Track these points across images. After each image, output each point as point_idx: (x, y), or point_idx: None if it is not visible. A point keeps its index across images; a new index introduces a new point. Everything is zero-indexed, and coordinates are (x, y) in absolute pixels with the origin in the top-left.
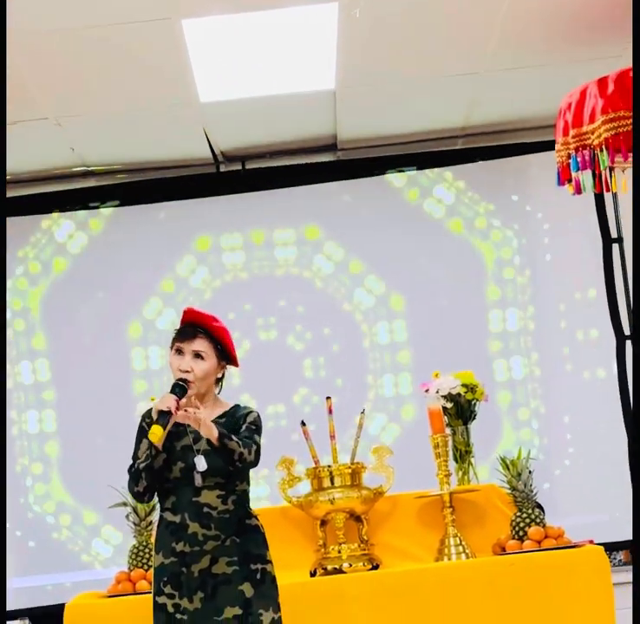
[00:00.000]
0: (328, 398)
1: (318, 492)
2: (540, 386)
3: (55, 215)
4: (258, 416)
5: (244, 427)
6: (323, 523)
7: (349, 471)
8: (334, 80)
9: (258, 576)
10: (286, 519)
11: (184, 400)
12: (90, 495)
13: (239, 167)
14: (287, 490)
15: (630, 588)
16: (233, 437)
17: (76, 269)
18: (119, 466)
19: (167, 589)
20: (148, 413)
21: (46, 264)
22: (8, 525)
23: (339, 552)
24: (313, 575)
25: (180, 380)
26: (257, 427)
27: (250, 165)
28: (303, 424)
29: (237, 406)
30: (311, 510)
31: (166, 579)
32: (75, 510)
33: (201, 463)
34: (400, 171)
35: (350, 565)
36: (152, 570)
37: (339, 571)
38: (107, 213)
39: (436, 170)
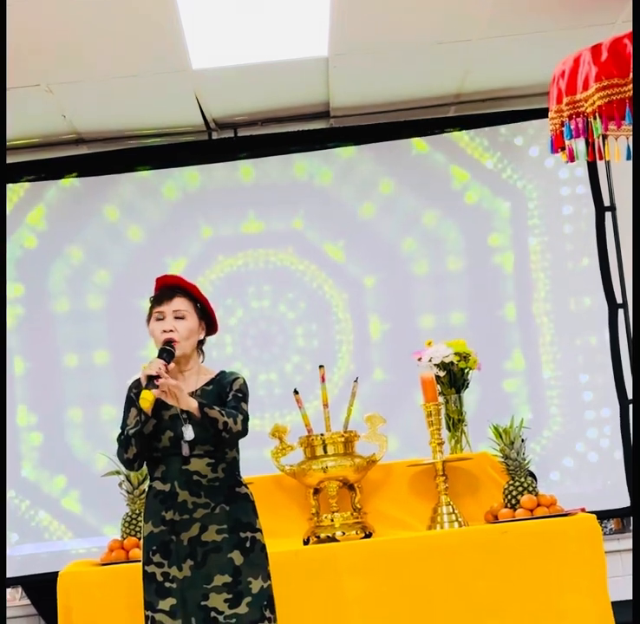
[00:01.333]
0: (320, 366)
1: (311, 461)
2: (532, 354)
3: (44, 182)
4: (245, 382)
5: (230, 396)
6: (316, 491)
7: (342, 439)
8: (326, 47)
9: (248, 545)
10: (279, 488)
11: (172, 365)
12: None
13: (231, 135)
14: (280, 458)
15: (621, 557)
16: (214, 407)
17: (63, 236)
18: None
19: (156, 558)
20: (136, 383)
21: (34, 230)
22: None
23: (332, 520)
24: (306, 543)
25: (166, 344)
26: (243, 395)
27: (242, 133)
28: (295, 392)
29: (223, 373)
30: (304, 478)
31: (154, 548)
32: (65, 479)
33: (188, 432)
34: (393, 138)
35: (343, 533)
36: (141, 540)
37: (332, 539)
38: (97, 180)
39: (428, 137)
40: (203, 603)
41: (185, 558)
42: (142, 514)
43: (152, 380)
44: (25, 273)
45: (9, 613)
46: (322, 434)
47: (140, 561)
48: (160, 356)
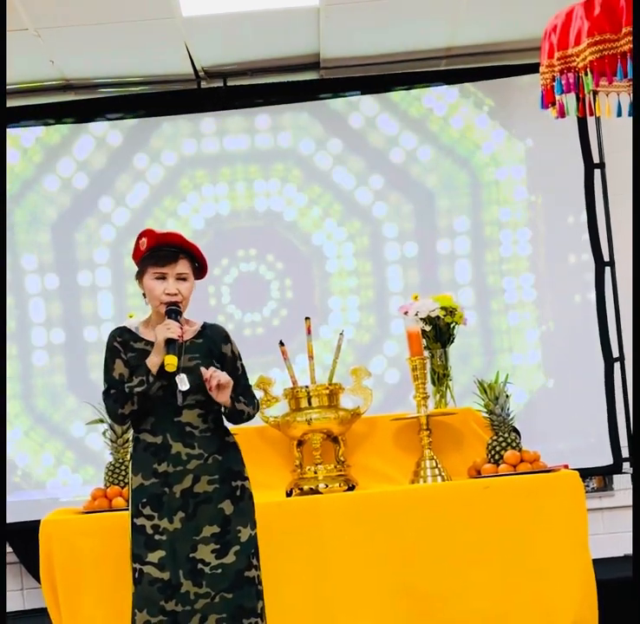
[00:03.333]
0: (307, 318)
1: (296, 412)
2: (517, 311)
3: (34, 128)
4: (234, 342)
5: (238, 366)
6: (300, 443)
7: (327, 391)
8: None
9: (238, 493)
10: (263, 439)
11: (186, 327)
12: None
13: (221, 84)
14: (264, 409)
15: (602, 515)
16: (241, 398)
17: (49, 182)
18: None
19: (146, 511)
20: (118, 332)
21: (24, 177)
22: None
23: (315, 473)
24: (289, 495)
25: (172, 304)
26: (242, 362)
27: (231, 82)
28: (281, 344)
29: (208, 326)
30: (288, 430)
31: (145, 500)
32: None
33: (184, 382)
34: (384, 91)
35: (326, 486)
36: (129, 492)
37: (315, 492)
38: (85, 127)
39: (418, 90)
40: (191, 555)
41: (176, 510)
42: (129, 466)
43: (173, 342)
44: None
45: None
46: (306, 386)
47: (122, 509)
48: (170, 317)
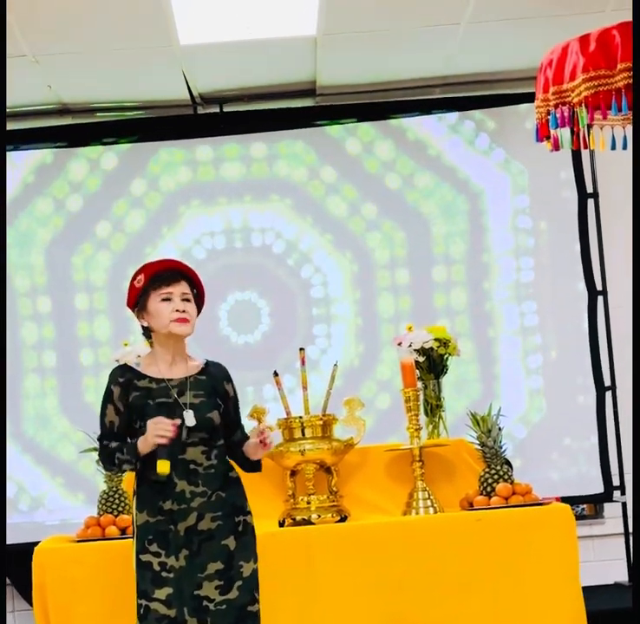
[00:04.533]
0: (301, 349)
1: (289, 443)
2: (510, 341)
3: (30, 152)
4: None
5: (233, 407)
6: (293, 473)
7: (321, 422)
8: (315, 26)
9: (241, 528)
10: None
11: (177, 421)
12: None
13: (217, 110)
14: None
15: (593, 543)
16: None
17: (47, 206)
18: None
19: (153, 548)
20: (120, 373)
21: (18, 200)
22: None
23: (308, 503)
24: (282, 525)
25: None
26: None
27: (228, 108)
28: (275, 374)
29: (211, 364)
30: (282, 460)
31: (151, 537)
32: (40, 452)
33: (190, 418)
34: (379, 118)
35: (319, 516)
36: (133, 527)
37: (308, 522)
38: (81, 152)
39: (415, 118)
40: (196, 592)
41: (181, 548)
42: (134, 501)
43: (163, 447)
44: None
45: None
46: (300, 417)
47: (116, 538)
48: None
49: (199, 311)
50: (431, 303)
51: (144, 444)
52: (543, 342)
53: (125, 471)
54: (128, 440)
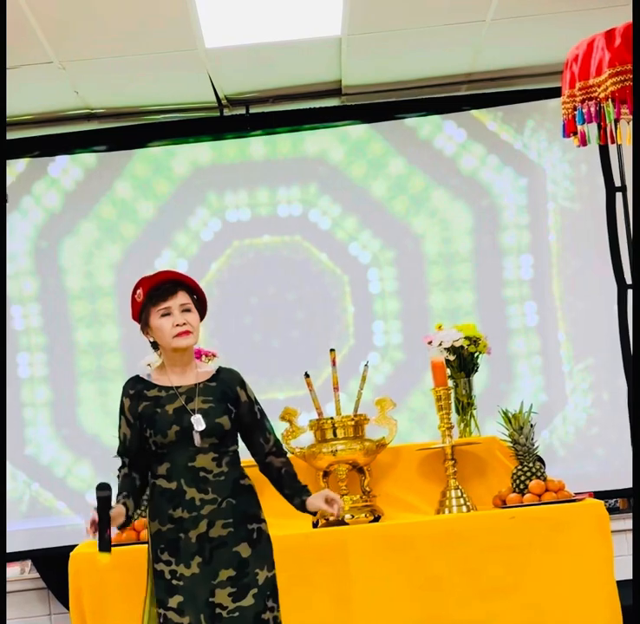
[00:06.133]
0: (331, 350)
1: (321, 444)
2: (539, 336)
3: (57, 157)
4: (249, 387)
5: (259, 415)
6: (326, 474)
7: (352, 423)
8: (340, 26)
9: (254, 536)
10: None
11: (114, 509)
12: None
13: (243, 111)
14: (290, 441)
15: (626, 537)
16: (283, 459)
17: (74, 211)
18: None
19: (164, 556)
20: (131, 384)
21: (46, 205)
22: (10, 467)
23: None
24: (315, 526)
25: (98, 490)
26: (259, 406)
27: (254, 110)
28: (306, 375)
29: (223, 370)
30: (314, 461)
31: (163, 546)
32: (73, 454)
33: (199, 422)
34: (404, 117)
35: (352, 516)
36: (148, 537)
37: (341, 523)
38: (109, 156)
39: (440, 116)
40: (210, 599)
41: (193, 555)
42: (147, 511)
43: (100, 540)
44: (37, 250)
45: (19, 586)
46: (332, 418)
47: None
48: (99, 509)
49: (202, 315)
50: (455, 300)
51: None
52: (573, 338)
53: None
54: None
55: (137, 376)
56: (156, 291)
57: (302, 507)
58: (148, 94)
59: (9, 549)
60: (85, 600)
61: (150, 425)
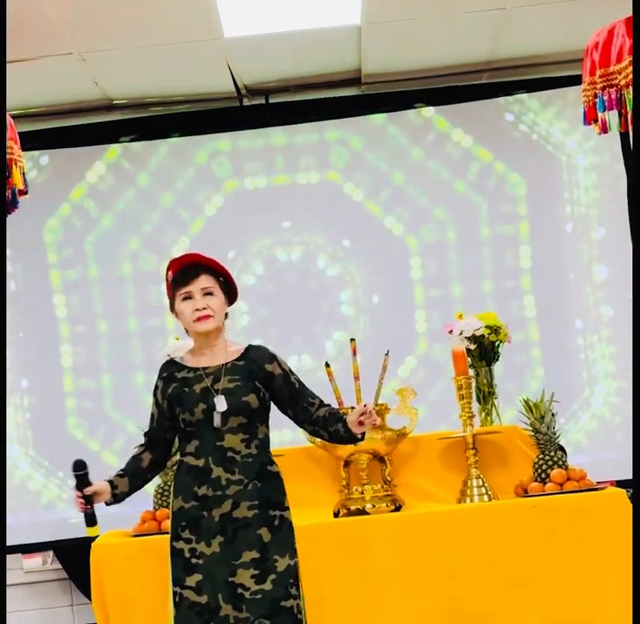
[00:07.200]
0: (352, 340)
1: None
2: (558, 325)
3: (77, 148)
4: (282, 360)
5: (298, 384)
6: (347, 463)
7: None
8: (359, 15)
9: (276, 523)
10: (310, 459)
11: (91, 486)
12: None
13: (263, 101)
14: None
15: None
16: (338, 415)
17: (97, 202)
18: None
19: (185, 534)
20: (164, 367)
21: (68, 197)
22: (33, 456)
23: (362, 493)
24: (336, 515)
25: (75, 469)
26: (296, 376)
27: (273, 100)
28: (326, 365)
29: (252, 347)
30: (335, 450)
31: (184, 523)
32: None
33: (222, 403)
34: (424, 105)
35: (373, 506)
36: (170, 514)
37: (362, 512)
38: (129, 147)
39: (460, 105)
40: (230, 579)
41: (215, 534)
42: (172, 488)
43: (86, 514)
44: (60, 241)
45: (41, 577)
46: (352, 407)
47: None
48: (77, 487)
49: (232, 297)
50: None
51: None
52: (588, 329)
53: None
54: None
55: (171, 359)
56: (179, 275)
57: (347, 430)
58: (168, 85)
59: (31, 540)
60: (107, 590)
61: (178, 403)
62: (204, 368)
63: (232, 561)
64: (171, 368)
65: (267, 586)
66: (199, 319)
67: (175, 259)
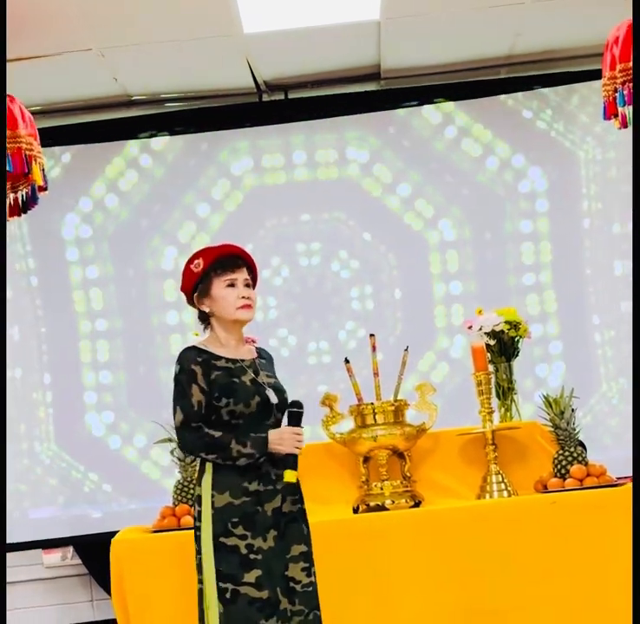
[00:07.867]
0: (371, 335)
1: (362, 429)
2: (577, 321)
3: (96, 145)
4: None
5: None
6: (366, 459)
7: (393, 408)
8: (379, 10)
9: (307, 517)
10: (330, 455)
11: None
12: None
13: (282, 97)
14: (331, 426)
15: None
16: None
17: (116, 198)
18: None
19: (238, 530)
20: (196, 353)
21: (88, 192)
22: (53, 453)
23: (382, 489)
24: (356, 511)
25: (293, 406)
26: None
27: (292, 95)
28: (346, 361)
29: (260, 349)
30: (355, 446)
31: (236, 519)
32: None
33: (274, 396)
34: (443, 100)
35: (393, 502)
36: (209, 510)
37: (382, 508)
38: (148, 142)
39: (478, 100)
40: (285, 573)
41: (269, 528)
42: (208, 483)
43: (295, 457)
44: (76, 237)
45: (61, 572)
46: (372, 403)
47: (191, 528)
48: (291, 423)
49: None
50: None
51: (268, 447)
52: (605, 322)
53: (234, 462)
54: (206, 430)
55: (194, 346)
56: (224, 260)
57: None
58: (187, 80)
59: (51, 536)
60: (126, 586)
61: (229, 394)
62: (242, 360)
63: (285, 555)
64: (203, 355)
65: (314, 578)
66: (243, 306)
67: (210, 248)
